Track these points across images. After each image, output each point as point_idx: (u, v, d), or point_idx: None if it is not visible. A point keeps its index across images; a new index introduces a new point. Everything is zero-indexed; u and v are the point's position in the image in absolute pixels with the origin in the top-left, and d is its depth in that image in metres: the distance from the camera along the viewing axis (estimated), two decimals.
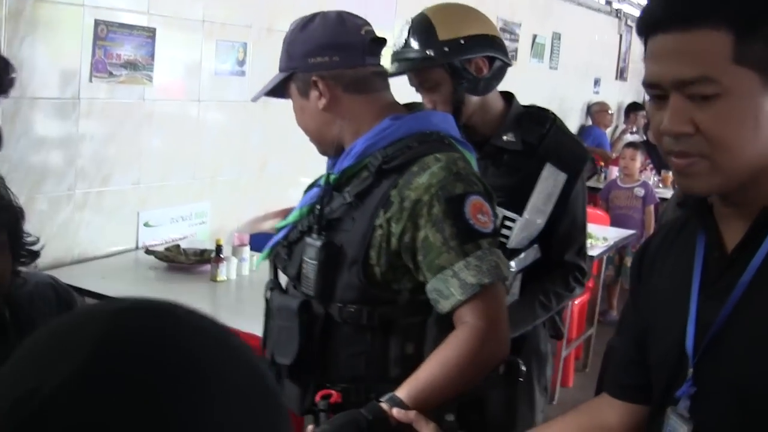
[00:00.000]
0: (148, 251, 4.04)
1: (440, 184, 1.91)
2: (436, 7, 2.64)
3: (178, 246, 4.15)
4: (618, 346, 1.79)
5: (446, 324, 1.92)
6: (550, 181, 2.60)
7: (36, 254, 2.28)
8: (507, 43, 3.57)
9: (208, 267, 3.92)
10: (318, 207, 2.02)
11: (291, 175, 4.95)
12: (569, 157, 2.65)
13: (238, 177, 4.87)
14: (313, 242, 1.99)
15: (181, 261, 3.99)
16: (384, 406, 1.81)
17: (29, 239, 2.24)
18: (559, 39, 9.32)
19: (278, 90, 2.14)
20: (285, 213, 2.25)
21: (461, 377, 1.87)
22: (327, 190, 2.04)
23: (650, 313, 1.50)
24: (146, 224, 4.32)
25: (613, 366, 1.77)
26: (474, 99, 2.60)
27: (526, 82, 7.44)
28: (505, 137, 2.64)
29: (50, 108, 3.75)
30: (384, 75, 2.12)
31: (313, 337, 2.01)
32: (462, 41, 2.54)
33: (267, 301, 2.18)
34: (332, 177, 2.05)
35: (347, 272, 1.97)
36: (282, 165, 5.03)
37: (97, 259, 4.06)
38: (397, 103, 2.13)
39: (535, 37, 8.73)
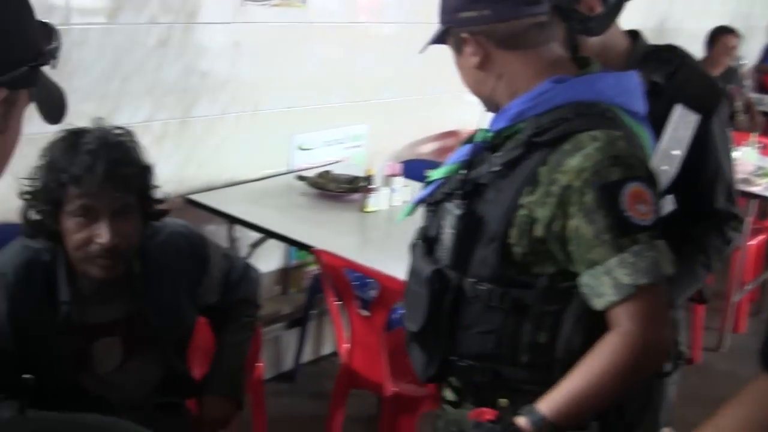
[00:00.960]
0: (299, 177, 4.00)
1: (594, 168, 1.68)
2: None
3: (328, 172, 4.07)
4: None
5: (586, 318, 1.74)
6: (681, 124, 2.31)
7: (165, 212, 2.27)
8: None
9: (358, 196, 3.84)
10: (464, 171, 1.86)
11: (452, 96, 4.80)
12: (702, 96, 2.33)
13: (397, 99, 4.73)
14: (453, 209, 1.83)
15: (332, 189, 3.92)
16: (522, 425, 1.69)
17: (157, 197, 2.24)
18: None
19: (442, 41, 1.95)
20: (444, 137, 2.10)
21: (609, 390, 1.70)
22: (479, 148, 1.87)
23: None
24: (300, 147, 4.27)
25: None
26: (591, 41, 2.29)
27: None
28: None
29: (205, 31, 3.71)
30: (546, 26, 1.87)
31: (442, 308, 1.87)
32: None
33: (410, 254, 2.03)
34: (488, 134, 1.87)
35: (485, 247, 1.80)
36: (442, 87, 4.86)
37: (248, 182, 4.05)
38: (566, 58, 1.90)
39: None
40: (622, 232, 1.66)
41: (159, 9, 3.49)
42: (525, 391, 1.81)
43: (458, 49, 1.88)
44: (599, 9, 2.27)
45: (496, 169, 1.79)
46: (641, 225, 1.67)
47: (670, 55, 2.39)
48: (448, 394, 2.02)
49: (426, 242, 1.97)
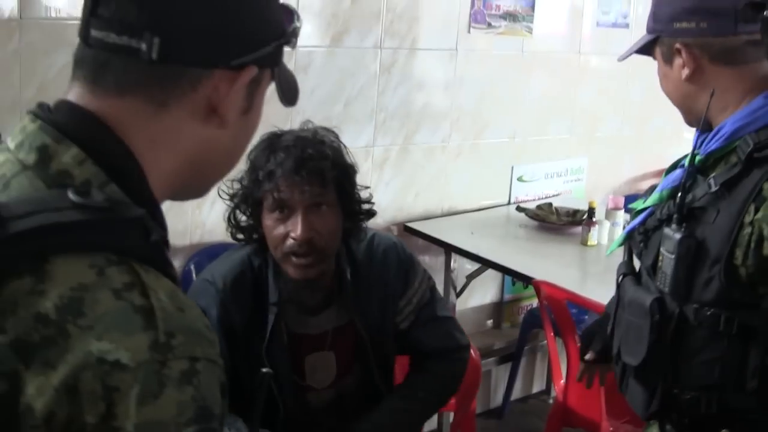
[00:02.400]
0: (519, 208, 3.94)
1: None
2: None
3: (550, 204, 4.02)
4: None
5: None
6: None
7: (371, 213, 2.22)
8: None
9: (579, 229, 3.75)
10: (680, 194, 1.78)
11: (673, 132, 4.64)
12: None
13: (618, 133, 4.63)
14: (672, 234, 1.76)
15: (552, 221, 3.85)
16: None
17: (363, 196, 2.20)
18: None
19: (647, 50, 1.91)
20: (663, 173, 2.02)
21: None
22: (690, 172, 1.79)
23: None
24: (520, 179, 4.22)
25: None
26: None
27: None
28: None
29: (429, 58, 3.74)
30: (759, 43, 1.76)
31: (664, 338, 1.80)
32: None
33: (618, 287, 1.98)
34: (697, 158, 1.80)
35: (707, 271, 1.72)
36: (664, 122, 4.70)
37: (467, 212, 4.03)
38: None
39: None
40: None
41: (384, 34, 3.54)
42: (750, 420, 1.75)
43: (668, 60, 1.83)
44: None
45: (715, 189, 1.72)
46: None
47: None
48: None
49: (634, 274, 1.94)
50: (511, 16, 3.92)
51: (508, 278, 4.23)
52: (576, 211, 3.90)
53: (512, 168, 4.19)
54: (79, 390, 0.78)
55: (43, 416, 0.77)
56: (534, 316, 4.13)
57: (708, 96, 1.77)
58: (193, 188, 1.06)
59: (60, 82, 2.83)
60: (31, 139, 0.92)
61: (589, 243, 3.64)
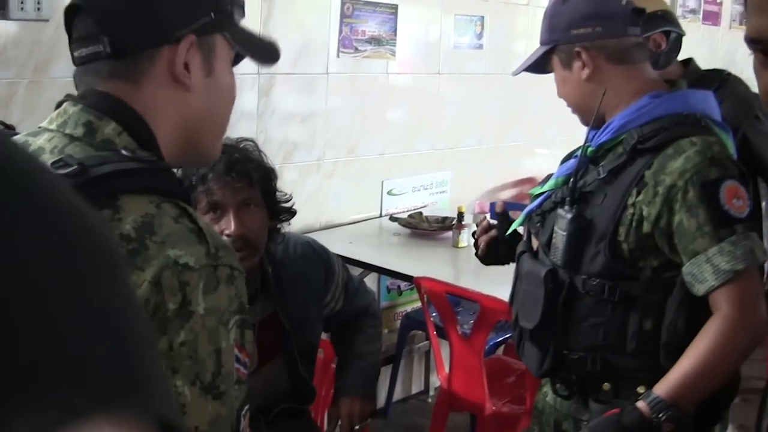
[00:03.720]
0: (392, 218, 4.24)
1: (695, 169, 1.91)
2: None
3: (420, 213, 4.32)
4: None
5: (686, 303, 1.95)
6: None
7: (292, 212, 2.47)
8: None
9: (449, 234, 4.06)
10: (572, 180, 2.08)
11: (527, 146, 5.04)
12: (731, 114, 2.59)
13: (478, 147, 4.98)
14: (565, 214, 2.05)
15: (424, 227, 4.16)
16: (642, 407, 1.89)
17: (284, 198, 2.45)
18: None
19: (536, 65, 2.19)
20: (521, 183, 2.34)
21: (717, 369, 1.91)
22: (583, 162, 2.09)
23: None
24: (390, 192, 4.51)
25: None
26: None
27: None
28: None
29: (301, 82, 3.99)
30: (642, 47, 2.15)
31: (555, 305, 2.07)
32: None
33: (517, 262, 2.25)
34: (589, 150, 2.09)
35: (594, 246, 2.02)
36: (519, 136, 5.11)
37: (343, 225, 4.29)
38: (657, 78, 2.16)
39: None
40: (722, 224, 1.88)
41: None
42: (630, 378, 2.02)
43: (567, 64, 2.11)
44: (664, 46, 2.77)
45: (603, 176, 2.03)
46: (738, 217, 1.89)
47: (713, 78, 2.76)
48: (559, 388, 2.21)
49: (531, 251, 2.21)
50: (375, 41, 4.22)
51: (383, 287, 4.49)
52: (445, 218, 4.22)
53: (382, 182, 4.48)
54: (162, 284, 1.07)
55: (142, 301, 1.04)
56: (410, 319, 4.41)
57: (603, 93, 2.05)
58: (193, 153, 1.32)
59: (28, 95, 3.00)
60: (76, 118, 1.19)
61: (459, 245, 3.95)
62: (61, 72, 3.11)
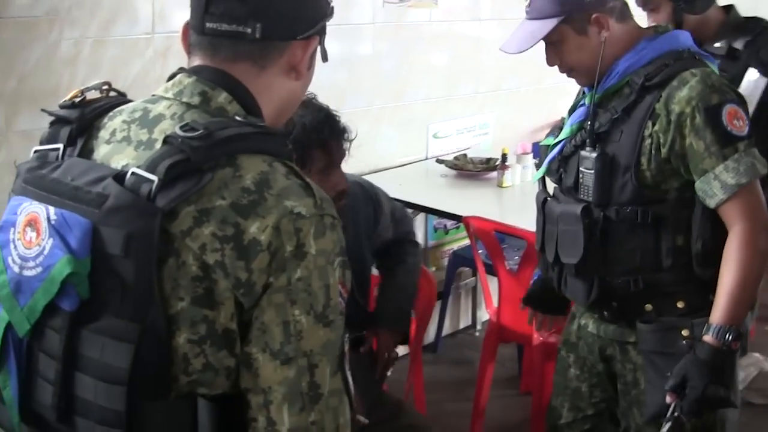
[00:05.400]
0: (438, 160, 4.42)
1: (699, 96, 2.13)
2: None
3: (465, 155, 4.51)
4: None
5: (708, 214, 2.18)
6: (750, 85, 2.78)
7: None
8: None
9: (494, 174, 4.25)
10: (589, 123, 2.26)
11: (564, 87, 5.13)
12: None
13: (517, 90, 5.14)
14: (589, 154, 2.24)
15: (469, 168, 4.34)
16: (709, 339, 2.14)
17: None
18: None
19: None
20: (557, 124, 2.51)
21: (751, 278, 2.15)
22: (593, 107, 2.27)
23: None
24: (435, 136, 4.70)
25: None
26: (692, 17, 2.78)
27: None
28: (716, 44, 2.90)
29: (351, 31, 4.16)
30: (625, 5, 2.31)
31: (595, 237, 2.26)
32: None
33: (542, 209, 2.43)
34: (596, 96, 2.27)
35: (621, 178, 2.22)
36: (557, 78, 5.20)
37: (392, 168, 4.47)
38: (642, 27, 2.35)
39: None
40: (726, 143, 2.13)
41: None
42: (669, 294, 2.25)
43: (582, 32, 2.23)
44: None
45: (617, 115, 2.23)
46: (739, 136, 2.14)
47: (753, 26, 2.91)
48: (606, 316, 2.40)
49: (551, 197, 2.42)
50: None
51: (430, 226, 4.68)
52: (489, 159, 4.40)
53: (428, 126, 4.66)
54: (281, 230, 1.24)
55: (266, 243, 1.23)
56: (457, 257, 4.60)
57: (610, 49, 2.22)
58: (276, 124, 1.50)
59: (37, 73, 3.30)
60: (191, 88, 1.37)
61: (504, 185, 4.13)
62: (123, 31, 3.30)
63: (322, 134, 2.45)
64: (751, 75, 2.84)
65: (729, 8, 3.09)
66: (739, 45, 2.92)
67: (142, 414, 1.23)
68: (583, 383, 2.53)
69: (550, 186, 2.47)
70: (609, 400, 2.49)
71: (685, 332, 2.23)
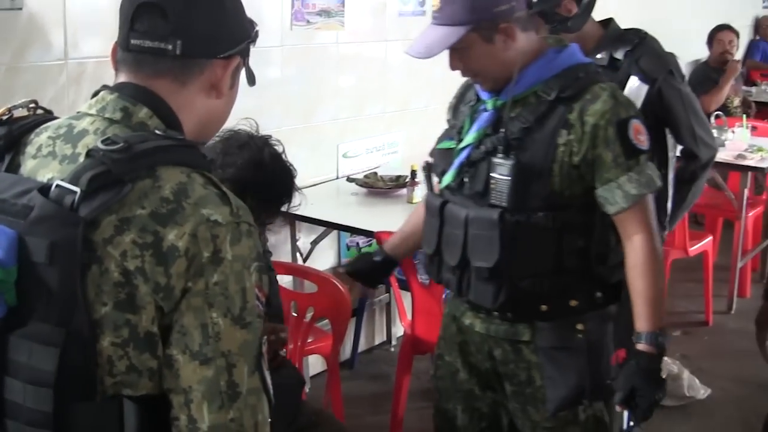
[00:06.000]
0: (349, 179, 4.50)
1: (612, 110, 2.27)
2: None
3: (375, 173, 4.60)
4: None
5: (609, 220, 2.33)
6: (633, 93, 3.01)
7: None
8: None
9: (404, 191, 4.35)
10: (502, 130, 2.32)
11: None
12: (651, 68, 3.07)
13: (425, 109, 5.24)
14: (504, 161, 2.30)
15: (380, 186, 4.43)
16: (643, 347, 2.30)
17: None
18: None
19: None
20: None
21: (658, 281, 2.33)
22: (498, 114, 2.35)
23: None
24: (345, 155, 4.78)
25: None
26: (569, 35, 2.93)
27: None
28: (598, 56, 3.07)
29: (260, 54, 4.17)
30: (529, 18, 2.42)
31: (506, 242, 2.32)
32: None
33: (439, 212, 2.46)
34: (499, 102, 2.35)
35: (534, 184, 2.30)
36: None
37: (304, 188, 4.47)
38: (543, 39, 2.46)
39: None
40: (630, 155, 2.28)
41: None
42: (565, 293, 2.38)
43: (489, 40, 2.29)
44: (575, 10, 3.04)
45: (528, 125, 2.31)
46: (642, 149, 2.30)
47: (632, 36, 3.11)
48: (507, 316, 2.45)
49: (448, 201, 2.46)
50: (325, 13, 4.46)
51: (343, 245, 4.75)
52: (399, 176, 4.49)
53: (338, 146, 4.73)
54: (198, 237, 1.31)
55: (184, 250, 1.30)
56: None
57: (516, 58, 2.30)
58: (199, 141, 1.56)
59: (6, 80, 3.28)
60: (113, 104, 1.43)
61: (414, 201, 4.20)
62: (36, 57, 3.31)
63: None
64: (633, 82, 3.03)
65: (608, 21, 3.25)
66: (619, 55, 3.09)
67: (70, 415, 1.27)
68: (475, 386, 2.60)
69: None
70: (500, 400, 2.58)
71: (579, 326, 2.37)
